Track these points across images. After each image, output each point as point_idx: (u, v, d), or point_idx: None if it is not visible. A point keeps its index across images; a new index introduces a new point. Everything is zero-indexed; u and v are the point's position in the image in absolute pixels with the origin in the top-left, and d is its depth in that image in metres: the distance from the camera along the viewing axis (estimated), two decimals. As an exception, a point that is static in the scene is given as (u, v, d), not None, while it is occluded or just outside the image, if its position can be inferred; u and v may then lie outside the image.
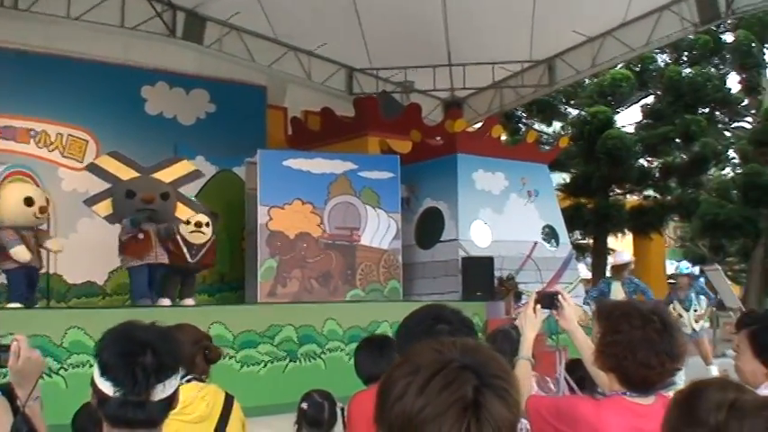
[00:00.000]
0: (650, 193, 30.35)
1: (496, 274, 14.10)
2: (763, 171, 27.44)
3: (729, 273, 36.29)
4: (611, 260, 13.70)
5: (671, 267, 42.02)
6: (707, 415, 1.89)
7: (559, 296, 3.51)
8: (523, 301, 12.64)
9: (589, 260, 29.10)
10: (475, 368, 1.45)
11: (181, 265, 12.18)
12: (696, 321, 13.28)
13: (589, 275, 27.64)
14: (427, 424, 1.39)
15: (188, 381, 3.83)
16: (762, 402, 1.88)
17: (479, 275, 13.75)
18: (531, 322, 3.47)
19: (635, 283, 13.42)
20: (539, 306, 3.48)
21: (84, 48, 14.66)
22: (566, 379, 3.91)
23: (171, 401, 2.27)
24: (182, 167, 12.48)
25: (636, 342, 2.84)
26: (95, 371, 2.24)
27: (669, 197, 29.46)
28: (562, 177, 29.66)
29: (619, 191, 28.82)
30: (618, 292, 13.09)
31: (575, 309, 3.57)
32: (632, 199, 29.89)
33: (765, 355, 3.38)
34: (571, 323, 3.49)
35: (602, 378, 3.11)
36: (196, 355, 4.00)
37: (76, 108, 14.41)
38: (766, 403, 1.87)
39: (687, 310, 13.33)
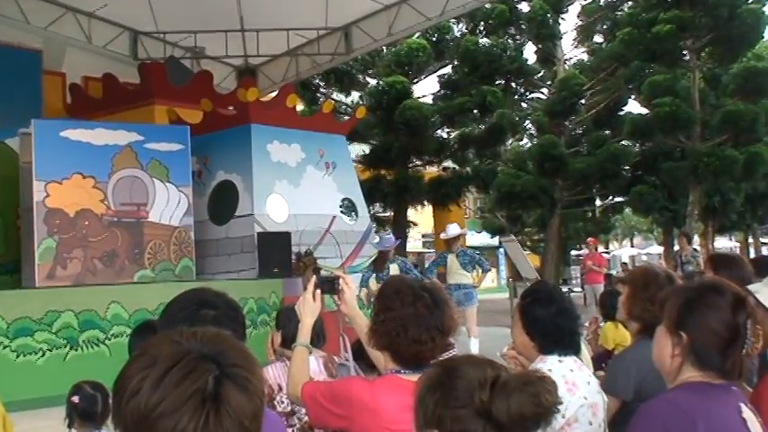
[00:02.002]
0: (449, 164, 31.31)
1: (294, 249, 14.21)
2: (558, 142, 28.97)
3: (528, 243, 38.19)
4: (443, 235, 13.88)
5: (471, 239, 43.82)
6: (469, 394, 1.90)
7: (340, 280, 3.59)
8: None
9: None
10: (215, 358, 1.44)
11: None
12: None
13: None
14: (163, 419, 1.37)
15: None
16: (526, 379, 1.93)
17: (276, 251, 13.79)
18: (309, 308, 3.51)
19: (469, 255, 13.73)
20: (318, 291, 3.53)
21: None
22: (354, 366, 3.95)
23: None
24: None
25: (407, 319, 2.94)
26: None
27: (467, 168, 30.44)
28: (361, 149, 30.09)
29: (418, 162, 29.59)
30: (453, 264, 13.42)
31: (355, 293, 3.62)
32: (431, 170, 30.74)
33: (530, 327, 3.57)
34: (352, 308, 3.57)
35: (380, 359, 3.22)
36: None
37: None
38: (530, 380, 1.93)
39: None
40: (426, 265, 15.67)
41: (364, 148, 30.09)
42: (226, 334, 1.57)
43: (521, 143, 36.60)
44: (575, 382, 3.42)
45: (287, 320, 4.80)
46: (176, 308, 2.69)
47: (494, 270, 53.81)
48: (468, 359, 2.03)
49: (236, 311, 2.75)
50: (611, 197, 33.83)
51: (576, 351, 3.59)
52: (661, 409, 2.51)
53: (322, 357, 4.92)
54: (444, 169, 31.44)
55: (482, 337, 13.23)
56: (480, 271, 13.88)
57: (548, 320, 3.51)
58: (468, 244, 36.44)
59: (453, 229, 13.93)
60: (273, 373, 4.78)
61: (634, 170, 30.65)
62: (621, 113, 31.62)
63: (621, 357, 4.18)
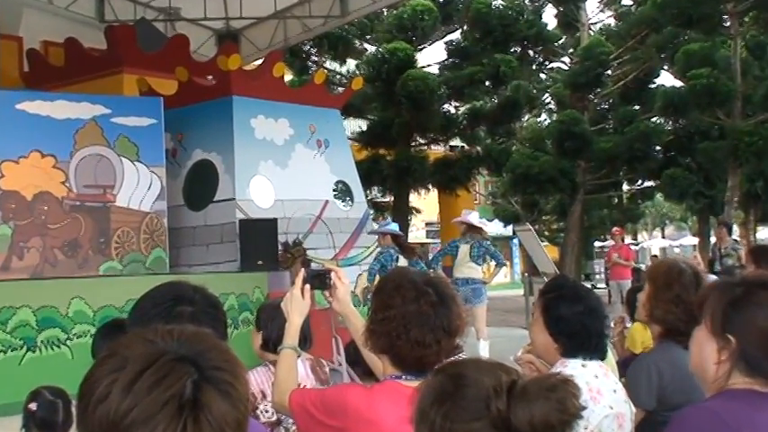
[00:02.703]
0: (457, 143, 31.25)
1: (281, 239, 14.21)
2: (581, 118, 28.89)
3: (546, 233, 38.23)
4: (464, 218, 13.84)
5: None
6: (483, 404, 1.87)
7: (332, 274, 3.57)
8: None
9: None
10: (194, 360, 1.45)
11: None
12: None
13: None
14: (135, 428, 1.37)
15: None
16: (548, 383, 1.91)
17: (261, 241, 13.79)
18: (297, 305, 3.50)
19: (484, 246, 13.71)
20: (307, 286, 3.51)
21: None
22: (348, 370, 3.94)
23: None
24: None
25: (409, 318, 2.93)
26: None
27: (478, 148, 30.38)
28: (357, 125, 30.05)
29: (422, 140, 29.54)
30: (465, 255, 13.38)
31: (349, 289, 3.61)
32: (437, 150, 30.71)
33: (554, 327, 3.57)
34: (345, 306, 3.56)
35: (377, 363, 3.22)
36: None
37: None
38: (553, 384, 1.90)
39: None
40: (431, 256, 15.65)
41: (361, 125, 30.07)
42: (206, 333, 1.57)
43: (538, 119, 36.57)
44: (599, 390, 3.43)
45: (269, 320, 4.78)
46: (148, 304, 2.67)
47: (507, 263, 53.84)
48: (475, 363, 2.00)
49: (216, 308, 2.75)
50: (640, 181, 33.80)
51: (601, 355, 3.60)
52: (699, 418, 2.49)
53: (309, 360, 4.90)
54: (452, 149, 31.39)
55: (493, 339, 13.27)
56: (494, 264, 13.90)
57: (574, 320, 3.51)
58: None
59: (475, 218, 13.96)
60: (256, 379, 4.78)
61: (666, 151, 30.61)
62: (653, 86, 31.55)
63: (641, 363, 4.17)
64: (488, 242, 14.26)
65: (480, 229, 13.84)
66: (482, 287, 13.42)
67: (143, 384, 1.39)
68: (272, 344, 4.56)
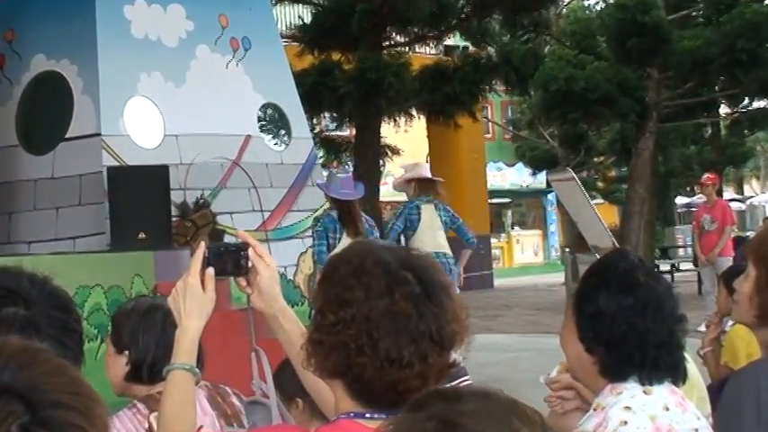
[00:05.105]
0: (456, 41, 31.23)
1: (175, 198, 14.17)
2: (652, 2, 28.85)
3: (599, 184, 38.45)
4: (406, 176, 14.00)
5: (496, 176, 43.95)
6: None
7: (249, 251, 3.49)
8: None
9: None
10: (23, 392, 1.46)
11: None
12: None
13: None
14: None
15: None
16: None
17: (143, 202, 13.77)
18: (195, 301, 3.43)
19: (450, 212, 13.97)
20: (210, 270, 3.45)
21: None
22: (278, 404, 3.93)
23: None
24: None
25: (376, 320, 2.88)
26: None
27: (489, 49, 30.33)
28: (296, 14, 29.97)
29: (400, 38, 29.41)
30: (432, 219, 13.49)
31: (276, 273, 3.55)
32: (424, 54, 30.66)
33: (587, 330, 3.58)
34: (272, 301, 3.50)
35: (325, 394, 3.20)
36: None
37: None
38: None
39: None
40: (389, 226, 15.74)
41: (302, 14, 29.98)
42: (40, 349, 1.60)
43: (585, 3, 36.66)
44: (672, 430, 3.45)
45: (137, 332, 4.70)
46: None
47: (539, 233, 53.78)
48: (478, 402, 1.96)
49: (65, 311, 2.80)
50: (745, 100, 33.97)
51: (675, 375, 3.61)
52: None
53: (204, 389, 4.86)
54: (447, 51, 31.39)
55: (518, 352, 13.43)
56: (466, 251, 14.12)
57: (618, 319, 3.51)
58: (491, 186, 36.32)
59: (427, 170, 14.17)
60: (125, 424, 4.74)
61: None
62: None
63: (744, 380, 4.19)
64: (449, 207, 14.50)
65: (436, 184, 14.00)
66: (454, 267, 13.58)
67: None
68: (148, 369, 4.51)
